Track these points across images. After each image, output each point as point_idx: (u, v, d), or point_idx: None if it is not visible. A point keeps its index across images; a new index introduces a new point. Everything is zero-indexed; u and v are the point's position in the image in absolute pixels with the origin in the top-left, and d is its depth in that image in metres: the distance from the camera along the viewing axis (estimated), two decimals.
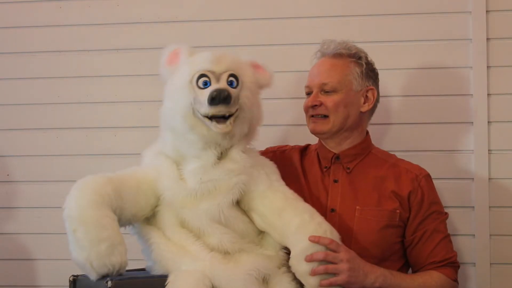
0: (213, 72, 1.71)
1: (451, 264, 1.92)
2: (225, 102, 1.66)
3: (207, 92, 1.67)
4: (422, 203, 1.91)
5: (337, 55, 1.96)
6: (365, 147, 2.00)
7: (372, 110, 2.01)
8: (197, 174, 1.71)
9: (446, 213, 1.98)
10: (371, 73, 1.99)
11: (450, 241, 1.96)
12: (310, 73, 2.00)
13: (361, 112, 1.97)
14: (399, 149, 2.21)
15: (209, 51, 1.78)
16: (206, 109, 1.68)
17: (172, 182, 1.72)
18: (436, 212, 1.93)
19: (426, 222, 1.91)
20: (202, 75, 1.71)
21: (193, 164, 1.73)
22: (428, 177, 1.95)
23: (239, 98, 1.72)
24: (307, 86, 1.99)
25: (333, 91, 1.92)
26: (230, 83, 1.72)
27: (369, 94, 1.97)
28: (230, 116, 1.70)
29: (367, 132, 2.04)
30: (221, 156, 1.76)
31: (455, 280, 1.92)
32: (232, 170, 1.73)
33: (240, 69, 1.77)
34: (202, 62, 1.73)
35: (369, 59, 1.99)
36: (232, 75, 1.73)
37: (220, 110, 1.67)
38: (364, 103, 1.96)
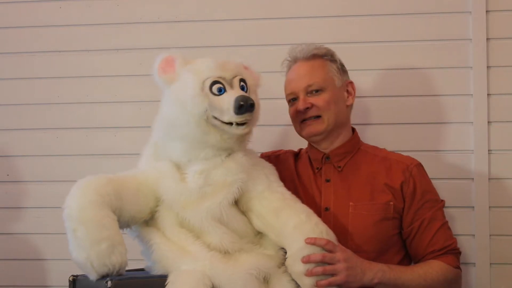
0: (223, 78, 1.73)
1: (452, 251, 1.91)
2: (251, 109, 1.69)
3: (227, 99, 1.69)
4: (415, 192, 1.90)
5: (311, 57, 1.96)
6: (354, 144, 2.00)
7: (352, 105, 2.02)
8: (201, 175, 1.72)
9: (442, 201, 1.97)
10: (344, 68, 2.01)
11: (449, 228, 1.95)
12: (289, 79, 1.99)
13: (347, 106, 1.98)
14: (399, 149, 2.20)
15: (206, 58, 1.78)
16: (231, 117, 1.70)
17: (174, 184, 1.73)
18: (431, 200, 1.93)
19: (422, 211, 1.90)
20: (215, 82, 1.71)
21: (199, 165, 1.74)
22: (419, 166, 1.95)
23: None
24: (290, 93, 1.97)
25: (320, 90, 1.93)
26: (242, 88, 1.75)
27: (350, 88, 2.00)
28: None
29: (354, 129, 2.04)
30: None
31: (458, 267, 1.91)
32: (232, 169, 1.74)
33: (244, 73, 1.80)
34: (208, 69, 1.73)
35: (337, 55, 2.01)
36: (241, 79, 1.76)
37: (246, 117, 1.71)
38: (348, 97, 1.99)
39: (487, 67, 2.30)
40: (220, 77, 1.72)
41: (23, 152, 2.51)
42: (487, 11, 2.31)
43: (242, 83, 1.76)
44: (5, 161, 2.51)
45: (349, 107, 2.00)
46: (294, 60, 1.99)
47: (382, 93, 2.26)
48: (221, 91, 1.72)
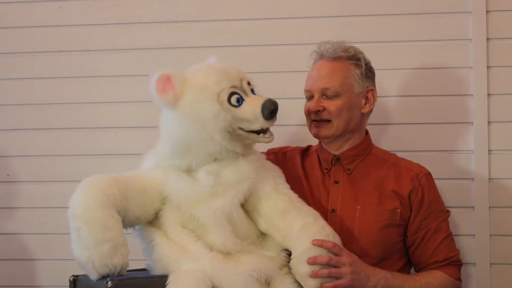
0: (236, 87, 1.71)
1: (454, 263, 1.92)
2: (277, 111, 1.71)
3: (251, 108, 1.69)
4: (422, 202, 1.91)
5: (337, 58, 1.94)
6: (365, 148, 2.00)
7: (371, 110, 2.01)
8: (212, 175, 1.71)
9: (448, 211, 1.98)
10: (369, 73, 1.98)
11: (452, 240, 1.96)
12: (310, 76, 1.98)
13: (362, 113, 1.97)
14: (399, 149, 2.21)
15: (203, 69, 1.74)
16: (262, 123, 1.70)
17: (183, 183, 1.72)
18: (437, 211, 1.93)
19: (427, 221, 1.91)
20: (232, 93, 1.69)
21: (211, 165, 1.73)
22: (428, 175, 1.95)
23: None
24: (307, 90, 1.97)
25: (336, 95, 1.91)
26: (252, 91, 1.75)
27: (369, 95, 1.97)
28: None
29: (367, 132, 2.04)
30: None
31: (458, 279, 1.92)
32: (243, 168, 1.74)
33: (245, 74, 1.78)
34: (217, 81, 1.70)
35: (366, 59, 1.99)
36: (248, 83, 1.76)
37: (274, 120, 1.72)
38: (365, 104, 1.96)
39: (487, 67, 2.30)
40: (232, 87, 1.70)
41: (23, 152, 2.51)
42: (487, 11, 2.31)
43: (250, 86, 1.75)
44: (5, 161, 2.51)
45: (366, 114, 1.98)
46: (320, 56, 1.97)
47: (382, 93, 2.25)
48: (240, 101, 1.70)
